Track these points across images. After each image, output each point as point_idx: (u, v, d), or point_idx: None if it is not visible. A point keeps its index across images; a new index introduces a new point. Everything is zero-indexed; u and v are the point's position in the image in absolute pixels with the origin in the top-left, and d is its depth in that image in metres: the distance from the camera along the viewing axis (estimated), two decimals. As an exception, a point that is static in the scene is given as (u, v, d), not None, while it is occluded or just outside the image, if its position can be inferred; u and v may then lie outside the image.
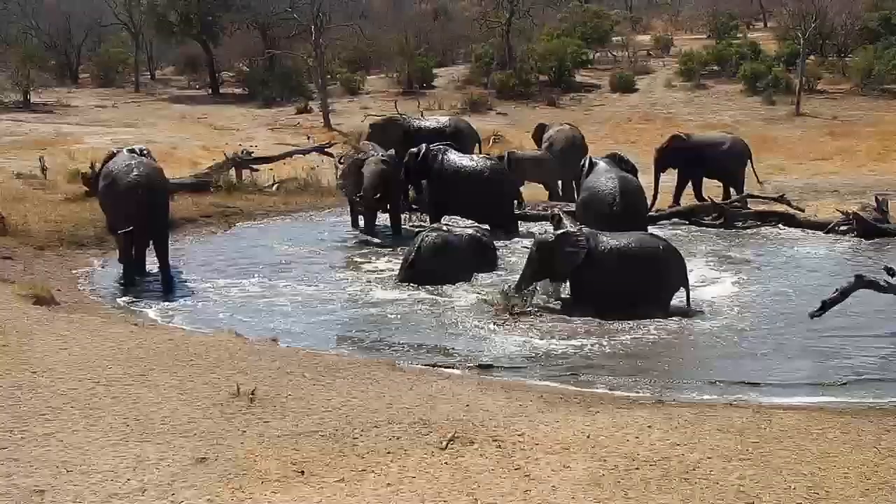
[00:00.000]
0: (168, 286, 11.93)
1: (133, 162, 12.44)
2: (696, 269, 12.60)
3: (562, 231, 11.27)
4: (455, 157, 15.24)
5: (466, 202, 14.74)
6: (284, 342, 9.28)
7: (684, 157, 17.17)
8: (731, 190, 17.37)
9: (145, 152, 13.09)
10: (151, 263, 12.46)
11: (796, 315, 10.30)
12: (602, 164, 13.92)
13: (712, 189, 17.82)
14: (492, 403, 7.24)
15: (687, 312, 10.65)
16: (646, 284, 10.62)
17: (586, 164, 14.16)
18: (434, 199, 15.08)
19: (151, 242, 12.31)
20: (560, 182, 18.26)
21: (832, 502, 5.54)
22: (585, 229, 11.24)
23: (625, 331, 10.03)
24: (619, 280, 10.66)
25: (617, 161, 14.18)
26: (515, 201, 15.61)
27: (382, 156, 15.02)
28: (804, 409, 7.56)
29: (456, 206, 14.84)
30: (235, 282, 12.17)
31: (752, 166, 17.55)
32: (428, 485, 5.62)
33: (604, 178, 13.42)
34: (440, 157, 15.11)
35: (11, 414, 6.52)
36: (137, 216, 11.91)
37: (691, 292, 11.20)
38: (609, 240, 10.96)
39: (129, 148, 13.31)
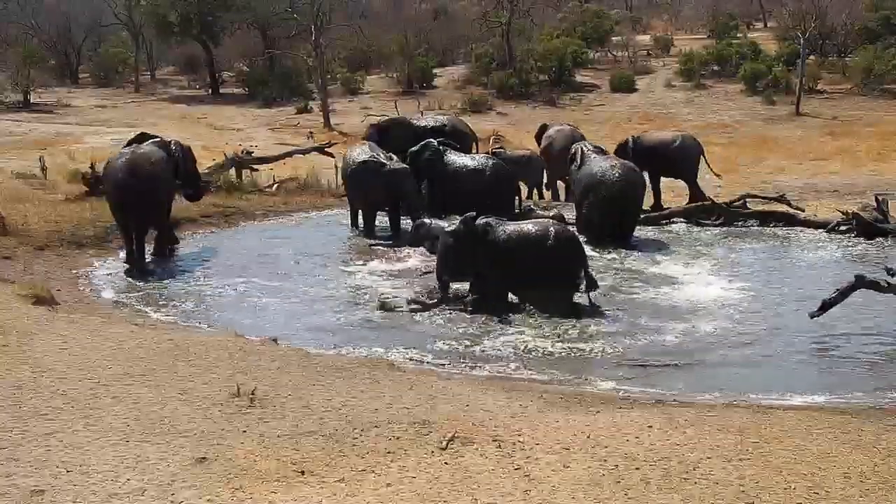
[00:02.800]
0: (140, 271, 12.48)
1: (129, 150, 13.08)
2: (695, 270, 12.64)
3: (458, 223, 11.36)
4: (455, 156, 15.23)
5: (466, 201, 14.73)
6: (284, 342, 9.28)
7: (637, 157, 17.18)
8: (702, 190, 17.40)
9: (173, 145, 13.76)
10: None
11: (796, 315, 10.30)
12: (596, 154, 14.55)
13: (711, 189, 17.84)
14: (492, 403, 7.23)
15: (693, 316, 10.65)
16: (538, 268, 10.71)
17: (578, 153, 14.43)
18: (434, 198, 15.07)
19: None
20: (559, 181, 18.28)
21: (832, 502, 5.54)
22: (488, 219, 11.24)
23: (627, 332, 10.03)
24: (514, 265, 10.82)
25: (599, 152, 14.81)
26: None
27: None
28: (804, 409, 7.56)
29: (454, 205, 14.83)
30: (235, 281, 12.18)
31: (707, 162, 17.59)
32: (428, 485, 5.62)
33: (607, 164, 13.98)
34: (440, 155, 15.11)
35: (11, 414, 6.52)
36: (121, 202, 12.62)
37: (692, 292, 11.22)
38: (505, 226, 11.12)
39: (156, 140, 13.84)
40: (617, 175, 13.78)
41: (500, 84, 36.83)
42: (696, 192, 17.17)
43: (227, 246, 14.41)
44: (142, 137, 14.05)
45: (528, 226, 11.20)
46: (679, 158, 17.26)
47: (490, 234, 10.98)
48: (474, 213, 11.29)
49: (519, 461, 5.97)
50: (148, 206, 12.76)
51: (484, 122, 29.29)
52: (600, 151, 14.86)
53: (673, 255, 13.54)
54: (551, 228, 10.99)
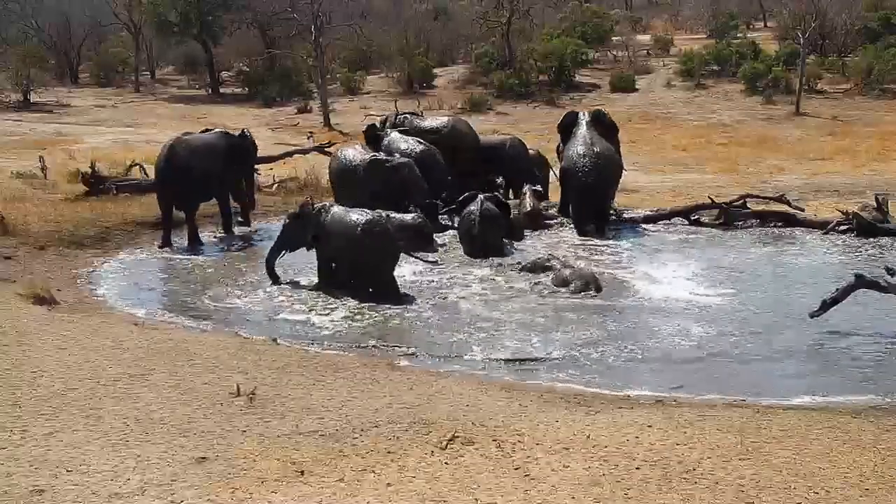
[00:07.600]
0: (191, 246, 13.86)
1: (174, 137, 14.31)
2: (694, 270, 12.63)
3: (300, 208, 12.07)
4: (395, 142, 15.38)
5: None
6: (284, 342, 9.28)
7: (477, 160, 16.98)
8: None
9: (242, 133, 15.13)
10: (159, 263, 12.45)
11: (796, 315, 10.29)
12: (582, 131, 14.97)
13: (711, 188, 17.84)
14: (492, 403, 7.24)
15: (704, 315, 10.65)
16: (355, 258, 11.27)
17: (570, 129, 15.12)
18: None
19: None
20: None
21: (832, 502, 5.54)
22: (326, 204, 11.97)
23: (627, 333, 10.02)
24: (335, 254, 11.46)
25: (596, 123, 15.30)
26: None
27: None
28: (804, 409, 7.55)
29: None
30: (235, 281, 12.17)
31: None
32: (428, 485, 5.62)
33: (582, 149, 14.54)
34: (384, 141, 15.39)
35: (11, 414, 6.52)
36: (159, 185, 13.98)
37: (691, 292, 11.21)
38: (336, 213, 11.64)
39: (214, 130, 15.36)
40: (586, 164, 14.33)
41: (500, 84, 36.82)
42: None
43: (226, 245, 14.41)
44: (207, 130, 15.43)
45: (351, 214, 11.57)
46: (511, 160, 17.09)
47: (318, 218, 11.59)
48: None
49: (519, 461, 5.97)
50: (181, 189, 13.64)
51: (484, 122, 29.28)
52: (595, 123, 15.14)
53: (672, 256, 13.53)
54: (364, 220, 11.33)
